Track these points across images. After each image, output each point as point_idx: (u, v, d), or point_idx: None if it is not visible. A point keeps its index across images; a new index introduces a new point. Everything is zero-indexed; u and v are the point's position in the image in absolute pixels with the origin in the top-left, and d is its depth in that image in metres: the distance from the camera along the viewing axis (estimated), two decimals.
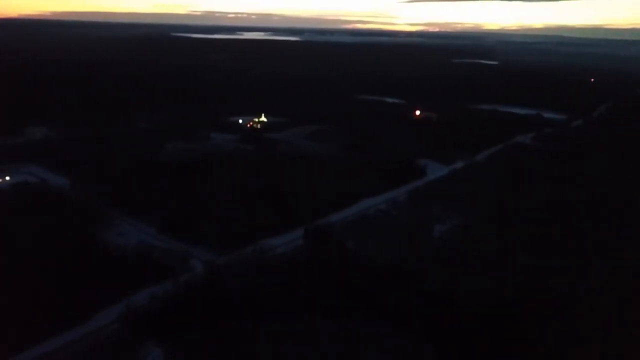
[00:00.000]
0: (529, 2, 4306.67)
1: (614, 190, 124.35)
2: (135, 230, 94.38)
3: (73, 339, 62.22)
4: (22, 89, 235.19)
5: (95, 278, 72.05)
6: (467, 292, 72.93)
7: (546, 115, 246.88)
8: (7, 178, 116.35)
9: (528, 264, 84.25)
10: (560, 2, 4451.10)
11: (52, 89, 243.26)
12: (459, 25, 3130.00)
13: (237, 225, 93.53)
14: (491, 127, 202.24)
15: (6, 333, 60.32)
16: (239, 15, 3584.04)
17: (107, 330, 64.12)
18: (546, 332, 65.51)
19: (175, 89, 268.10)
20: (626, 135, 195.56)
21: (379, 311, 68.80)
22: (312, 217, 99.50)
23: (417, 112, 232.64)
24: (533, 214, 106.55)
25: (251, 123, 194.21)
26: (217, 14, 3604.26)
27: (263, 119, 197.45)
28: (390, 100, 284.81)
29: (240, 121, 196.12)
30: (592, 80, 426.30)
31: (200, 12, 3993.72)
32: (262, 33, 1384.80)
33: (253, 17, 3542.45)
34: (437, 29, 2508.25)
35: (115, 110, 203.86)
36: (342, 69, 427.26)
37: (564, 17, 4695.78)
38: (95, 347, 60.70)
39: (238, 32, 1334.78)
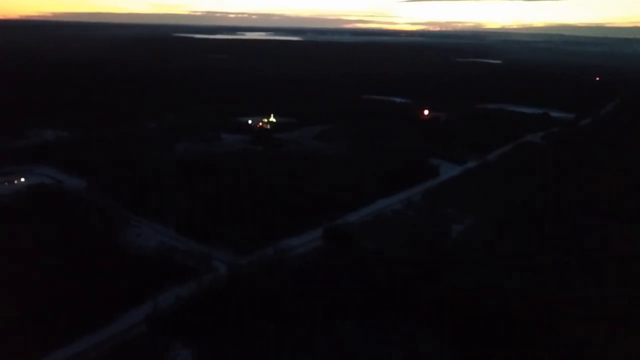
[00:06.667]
0: (528, 1, 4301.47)
1: (628, 189, 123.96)
2: (153, 231, 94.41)
3: (100, 340, 62.29)
4: (27, 90, 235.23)
5: (119, 279, 71.91)
6: (489, 292, 72.77)
7: (553, 114, 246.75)
8: (22, 179, 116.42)
9: (547, 264, 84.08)
10: (559, 1, 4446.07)
11: (57, 91, 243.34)
12: (460, 25, 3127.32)
13: (255, 225, 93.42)
14: (500, 126, 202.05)
15: (33, 334, 60.26)
16: (240, 16, 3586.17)
17: (134, 331, 64.13)
18: (571, 332, 65.35)
19: (182, 90, 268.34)
20: (635, 133, 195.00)
21: (403, 311, 68.77)
22: (329, 218, 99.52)
23: (426, 112, 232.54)
24: (548, 214, 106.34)
25: (260, 124, 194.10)
26: (218, 14, 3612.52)
27: (272, 119, 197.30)
28: (396, 99, 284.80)
29: (250, 122, 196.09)
30: (597, 79, 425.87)
31: (201, 12, 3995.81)
32: (263, 33, 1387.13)
33: (254, 17, 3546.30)
34: (438, 28, 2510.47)
35: (122, 111, 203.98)
36: (346, 69, 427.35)
37: (564, 16, 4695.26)
38: (123, 348, 60.66)
39: (239, 32, 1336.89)
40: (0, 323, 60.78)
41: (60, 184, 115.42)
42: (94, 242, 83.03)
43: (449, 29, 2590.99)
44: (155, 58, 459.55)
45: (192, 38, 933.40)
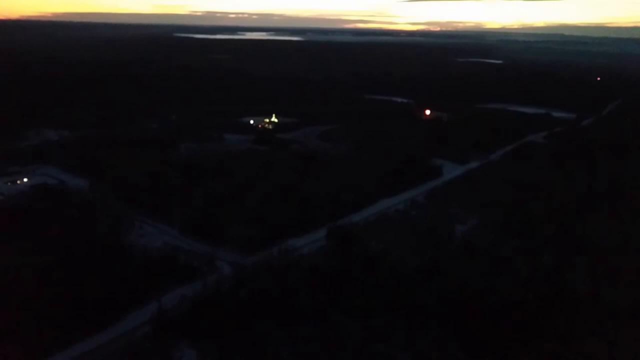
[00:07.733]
0: (528, 1, 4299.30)
1: (633, 189, 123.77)
2: (156, 231, 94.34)
3: (106, 340, 62.21)
4: (28, 91, 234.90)
5: (124, 279, 71.82)
6: (493, 292, 72.70)
7: (555, 114, 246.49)
8: (25, 180, 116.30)
9: (550, 264, 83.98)
10: (559, 1, 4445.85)
11: (59, 91, 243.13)
12: (460, 24, 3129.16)
13: (259, 226, 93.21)
14: (502, 126, 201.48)
15: (39, 335, 60.22)
16: (240, 16, 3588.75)
17: (139, 332, 64.01)
18: (573, 331, 65.30)
19: (183, 90, 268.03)
20: (637, 133, 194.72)
21: (407, 311, 68.80)
22: (332, 218, 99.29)
23: (428, 112, 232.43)
24: (550, 213, 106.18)
25: (263, 124, 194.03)
26: (218, 14, 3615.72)
27: (274, 119, 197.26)
28: (398, 99, 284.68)
29: (252, 122, 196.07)
30: (598, 79, 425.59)
31: (201, 12, 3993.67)
32: (264, 33, 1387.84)
33: (254, 17, 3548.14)
34: (438, 28, 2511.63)
35: (124, 112, 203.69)
36: (348, 69, 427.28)
37: (564, 16, 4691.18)
38: (129, 349, 60.57)
39: (240, 32, 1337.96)
40: (5, 324, 60.67)
41: (63, 184, 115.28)
42: (98, 242, 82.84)
43: (450, 29, 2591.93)
44: (155, 58, 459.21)
45: (193, 38, 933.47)
